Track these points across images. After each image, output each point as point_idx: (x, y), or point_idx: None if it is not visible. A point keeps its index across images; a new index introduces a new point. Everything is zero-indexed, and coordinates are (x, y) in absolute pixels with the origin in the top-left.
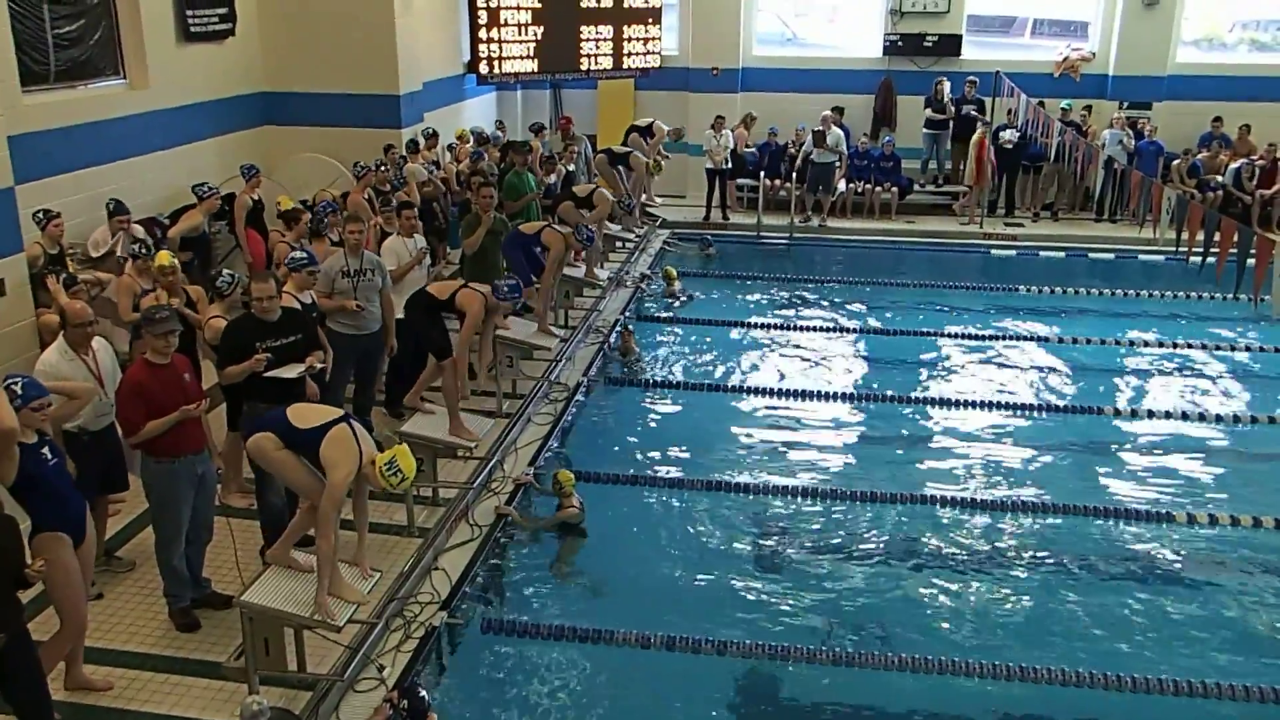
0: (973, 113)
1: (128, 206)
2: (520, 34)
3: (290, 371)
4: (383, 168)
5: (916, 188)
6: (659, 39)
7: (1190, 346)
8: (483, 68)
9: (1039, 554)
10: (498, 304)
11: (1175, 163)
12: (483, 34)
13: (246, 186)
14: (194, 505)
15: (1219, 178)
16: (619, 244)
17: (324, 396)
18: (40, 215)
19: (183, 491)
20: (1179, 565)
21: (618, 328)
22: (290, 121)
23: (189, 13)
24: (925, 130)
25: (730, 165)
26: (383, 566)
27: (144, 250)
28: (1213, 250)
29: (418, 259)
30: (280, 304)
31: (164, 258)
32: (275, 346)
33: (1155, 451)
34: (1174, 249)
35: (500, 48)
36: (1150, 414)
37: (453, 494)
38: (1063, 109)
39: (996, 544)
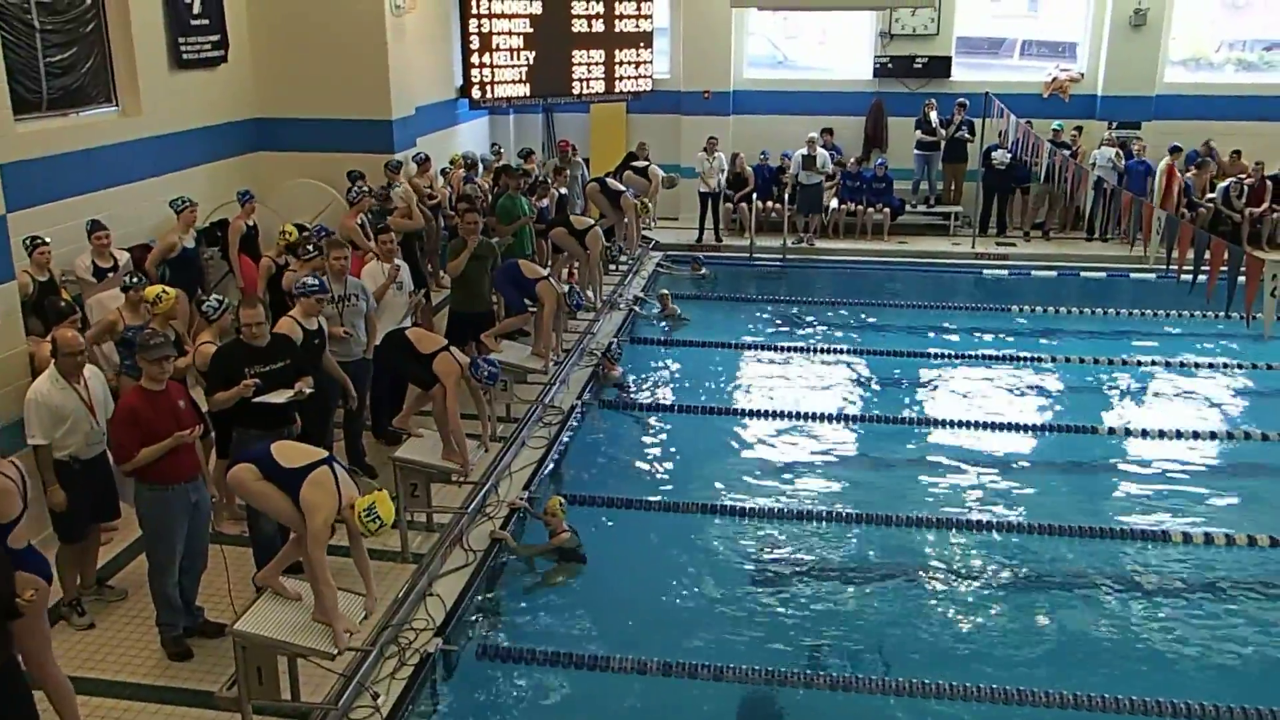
0: (964, 134)
1: (104, 223)
2: (512, 58)
3: (279, 397)
4: (366, 191)
5: (908, 209)
6: (650, 62)
7: (1183, 365)
8: (475, 92)
9: (1034, 574)
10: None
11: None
12: (475, 59)
13: (241, 212)
14: (188, 533)
15: (1211, 195)
16: (613, 267)
17: (315, 423)
18: (26, 242)
19: (176, 519)
20: (1175, 584)
21: (605, 354)
22: (282, 147)
23: (181, 40)
24: (916, 152)
25: (722, 188)
26: (377, 593)
27: (135, 280)
28: (1203, 269)
29: (391, 278)
30: (269, 330)
31: (151, 292)
32: (264, 372)
33: (1150, 470)
34: (1165, 268)
35: (493, 72)
36: (1144, 433)
37: (447, 519)
38: (1054, 129)
39: (992, 565)
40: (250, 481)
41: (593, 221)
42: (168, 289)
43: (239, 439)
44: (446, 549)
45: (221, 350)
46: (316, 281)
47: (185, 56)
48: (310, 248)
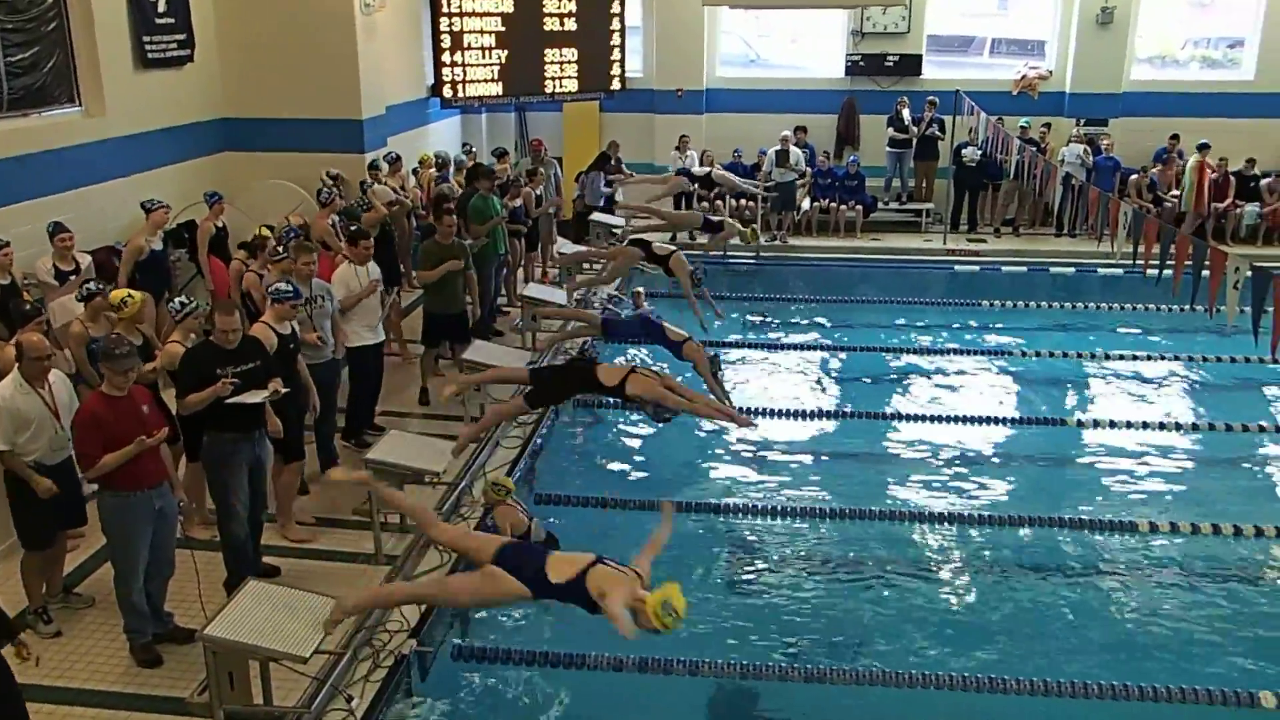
0: (935, 132)
1: (67, 226)
2: (484, 57)
3: (255, 396)
4: (338, 194)
5: (880, 206)
6: (623, 61)
7: (1150, 358)
8: (446, 91)
9: (1006, 565)
10: None
11: (1133, 178)
12: (446, 57)
13: (210, 213)
14: (154, 540)
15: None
16: (586, 264)
17: (292, 427)
18: None
19: (141, 526)
20: (1144, 573)
21: (587, 352)
22: (251, 148)
23: (146, 39)
24: (888, 149)
25: (698, 185)
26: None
27: (97, 287)
28: (1169, 263)
29: (370, 289)
30: (241, 332)
31: (116, 296)
32: (236, 373)
33: (1118, 462)
34: (1132, 262)
35: (464, 71)
36: (1112, 424)
37: None
38: (1021, 126)
39: (965, 557)
40: (510, 586)
41: (674, 248)
42: (133, 293)
43: (210, 442)
44: (420, 550)
45: (191, 351)
46: (291, 288)
47: (150, 56)
48: (280, 249)
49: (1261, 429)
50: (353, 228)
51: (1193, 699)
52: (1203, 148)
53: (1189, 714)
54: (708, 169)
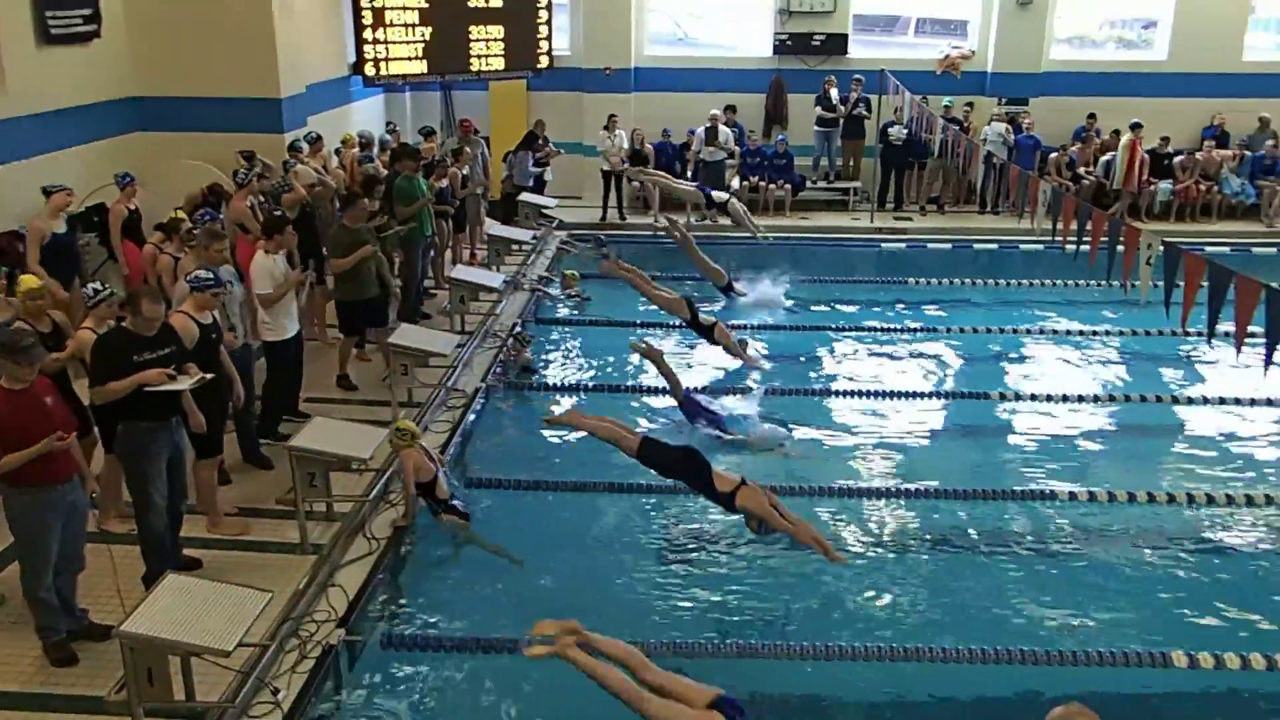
0: (861, 111)
1: None
2: (408, 34)
3: (184, 383)
4: (264, 175)
5: (809, 185)
6: (550, 39)
7: (1070, 332)
8: (369, 69)
9: (925, 537)
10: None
11: (1053, 156)
12: (368, 34)
13: (121, 196)
14: (63, 535)
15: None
16: (515, 246)
17: (215, 417)
18: None
19: (49, 522)
20: (1068, 542)
21: (510, 335)
22: (165, 128)
23: (49, 14)
24: (816, 128)
25: (628, 164)
26: (275, 587)
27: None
28: (1086, 239)
29: (297, 280)
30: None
31: (30, 281)
32: (153, 359)
33: (1040, 433)
34: (1051, 238)
35: (387, 49)
36: (1034, 397)
37: (347, 508)
38: (945, 106)
39: (887, 530)
40: None
41: (715, 319)
42: (33, 279)
43: (126, 432)
44: (348, 538)
45: (105, 339)
46: (211, 275)
47: (54, 31)
48: (195, 230)
49: (1174, 399)
50: (276, 212)
51: (1110, 662)
52: (1135, 127)
53: (1105, 677)
54: (725, 196)
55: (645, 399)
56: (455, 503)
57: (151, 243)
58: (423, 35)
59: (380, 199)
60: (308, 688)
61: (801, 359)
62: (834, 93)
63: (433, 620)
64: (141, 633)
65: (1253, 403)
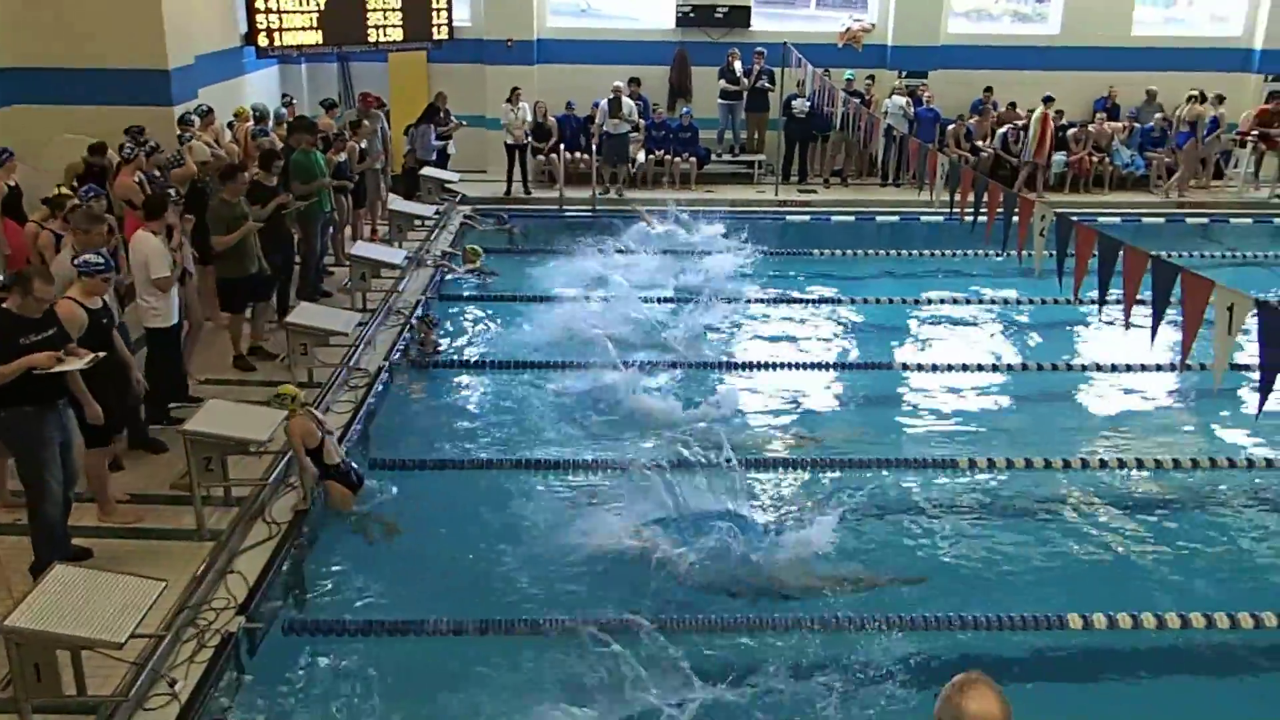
0: (765, 84)
1: None
2: (302, 4)
3: (74, 364)
4: (156, 149)
5: (714, 158)
6: (450, 9)
7: (969, 302)
8: (262, 39)
9: (835, 504)
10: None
11: (950, 128)
12: (260, 3)
13: (0, 171)
14: None
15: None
16: (417, 222)
17: (114, 404)
18: None
19: None
20: (966, 509)
21: (416, 316)
22: (45, 100)
23: None
24: (720, 101)
25: (530, 139)
26: (171, 575)
27: None
28: (982, 211)
29: (179, 268)
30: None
31: None
32: (38, 341)
33: (940, 402)
34: (949, 210)
35: (280, 18)
36: (934, 367)
37: (246, 492)
38: (847, 79)
39: (790, 499)
40: None
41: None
42: None
43: (10, 418)
44: (247, 523)
45: None
46: (102, 259)
47: None
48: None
49: (1069, 367)
50: (161, 191)
51: (1008, 625)
52: (1048, 100)
53: (1002, 640)
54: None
55: (550, 374)
56: (347, 468)
57: (33, 220)
58: (317, 4)
59: (278, 174)
60: (206, 678)
61: (707, 330)
62: (738, 65)
63: (337, 604)
64: (27, 627)
65: (1143, 368)
